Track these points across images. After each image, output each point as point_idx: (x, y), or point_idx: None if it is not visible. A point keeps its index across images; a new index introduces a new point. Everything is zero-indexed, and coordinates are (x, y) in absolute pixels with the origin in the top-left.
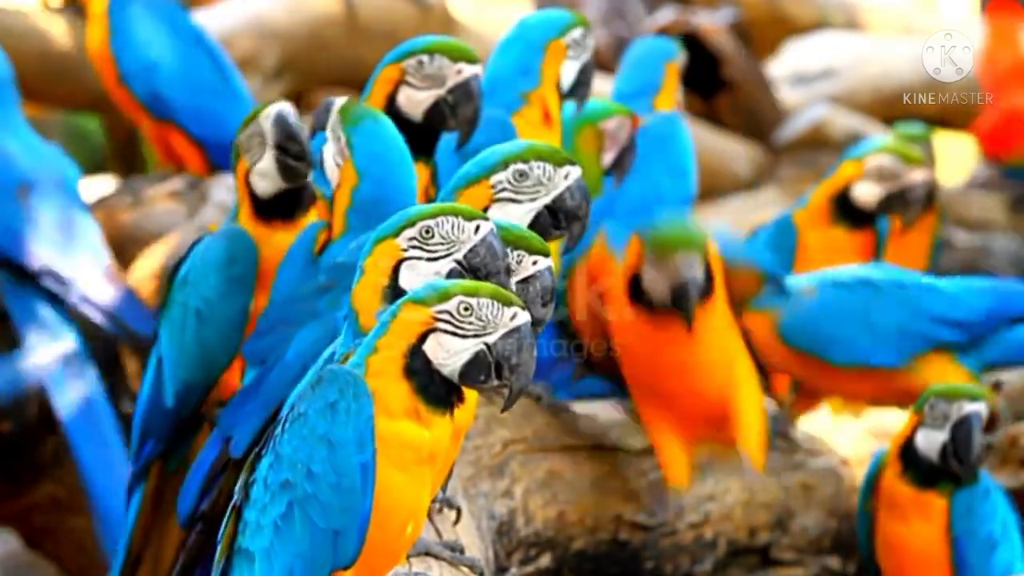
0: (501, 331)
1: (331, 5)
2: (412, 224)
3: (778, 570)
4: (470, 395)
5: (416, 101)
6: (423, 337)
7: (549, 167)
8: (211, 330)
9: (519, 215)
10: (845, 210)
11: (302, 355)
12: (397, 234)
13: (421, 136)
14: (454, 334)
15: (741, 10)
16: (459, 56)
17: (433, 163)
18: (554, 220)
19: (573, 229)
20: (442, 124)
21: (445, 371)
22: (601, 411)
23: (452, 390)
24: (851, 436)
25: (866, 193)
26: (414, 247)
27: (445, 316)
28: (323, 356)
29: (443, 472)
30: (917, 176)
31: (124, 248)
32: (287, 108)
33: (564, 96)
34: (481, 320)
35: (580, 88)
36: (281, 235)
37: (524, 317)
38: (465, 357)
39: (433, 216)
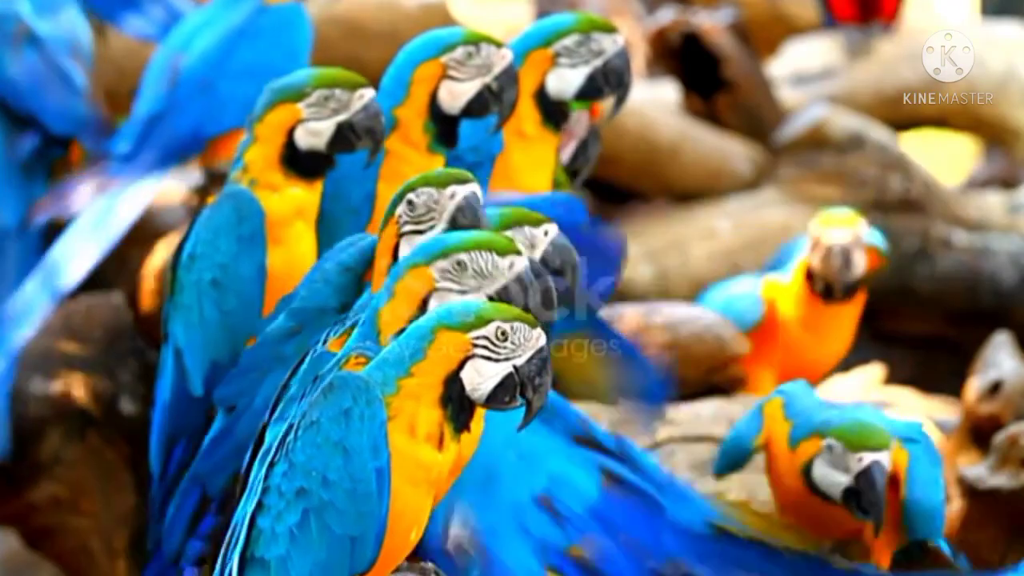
0: (529, 353)
1: (331, 5)
2: (445, 255)
3: None
4: (475, 426)
5: (459, 93)
6: (461, 364)
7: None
8: (231, 296)
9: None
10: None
11: (270, 401)
12: (430, 262)
13: (450, 128)
14: (488, 359)
15: (741, 10)
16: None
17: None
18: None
19: None
20: (482, 112)
21: (475, 395)
22: (602, 411)
23: (473, 412)
24: None
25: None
26: (446, 279)
27: (483, 342)
28: (310, 357)
29: (444, 489)
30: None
31: (124, 248)
32: (376, 103)
33: (565, 105)
34: (514, 344)
35: (594, 93)
36: (292, 189)
37: (544, 337)
38: (496, 380)
39: (467, 250)
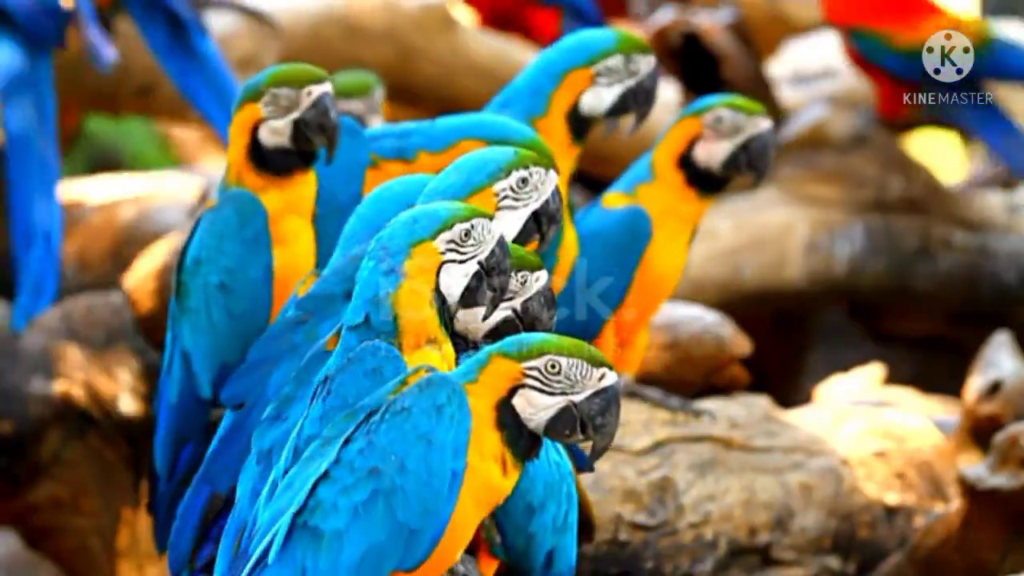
0: (589, 391)
1: (331, 5)
2: (449, 227)
3: (778, 570)
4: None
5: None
6: (512, 391)
7: (541, 170)
8: (239, 300)
9: (514, 221)
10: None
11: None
12: (434, 237)
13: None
14: (540, 391)
15: (741, 10)
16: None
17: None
18: (537, 225)
19: (549, 232)
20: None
21: (531, 424)
22: None
23: (536, 442)
24: (851, 436)
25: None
26: (451, 250)
27: (534, 373)
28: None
29: None
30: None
31: (124, 248)
32: (329, 94)
33: (592, 121)
34: (569, 379)
35: (623, 111)
36: (270, 187)
37: (612, 378)
38: (551, 412)
39: (467, 219)
